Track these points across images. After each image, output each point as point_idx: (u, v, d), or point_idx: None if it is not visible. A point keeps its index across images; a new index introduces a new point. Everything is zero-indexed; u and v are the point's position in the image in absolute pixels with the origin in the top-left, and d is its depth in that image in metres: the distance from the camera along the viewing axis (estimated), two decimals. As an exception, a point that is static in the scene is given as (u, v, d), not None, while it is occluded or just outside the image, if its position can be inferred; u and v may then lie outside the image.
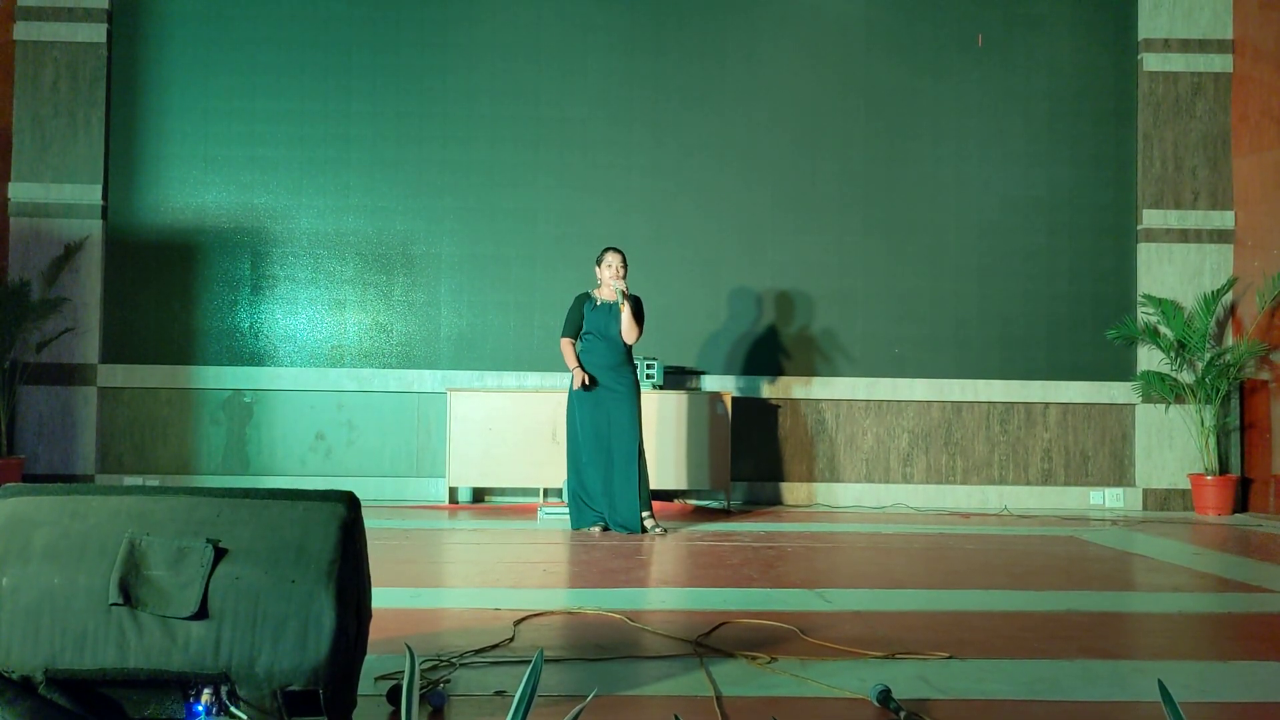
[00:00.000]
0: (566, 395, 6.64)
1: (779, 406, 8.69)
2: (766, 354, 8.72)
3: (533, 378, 8.52)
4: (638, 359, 7.78)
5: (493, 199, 8.59)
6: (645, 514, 6.51)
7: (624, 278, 6.53)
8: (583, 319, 6.55)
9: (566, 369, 7.76)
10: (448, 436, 7.87)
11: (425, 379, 8.49)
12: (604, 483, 6.51)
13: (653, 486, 7.64)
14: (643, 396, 6.87)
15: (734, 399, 8.30)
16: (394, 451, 8.45)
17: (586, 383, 6.39)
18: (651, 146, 8.58)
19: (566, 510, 7.05)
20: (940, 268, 8.72)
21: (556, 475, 7.80)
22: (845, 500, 8.58)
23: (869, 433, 8.63)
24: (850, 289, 8.73)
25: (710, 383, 8.59)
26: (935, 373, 8.60)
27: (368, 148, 8.50)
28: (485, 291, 8.59)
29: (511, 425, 7.88)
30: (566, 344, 6.56)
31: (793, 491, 8.64)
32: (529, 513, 7.64)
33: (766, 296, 8.73)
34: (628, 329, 6.41)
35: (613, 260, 6.53)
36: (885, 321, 8.72)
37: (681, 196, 8.66)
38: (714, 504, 8.25)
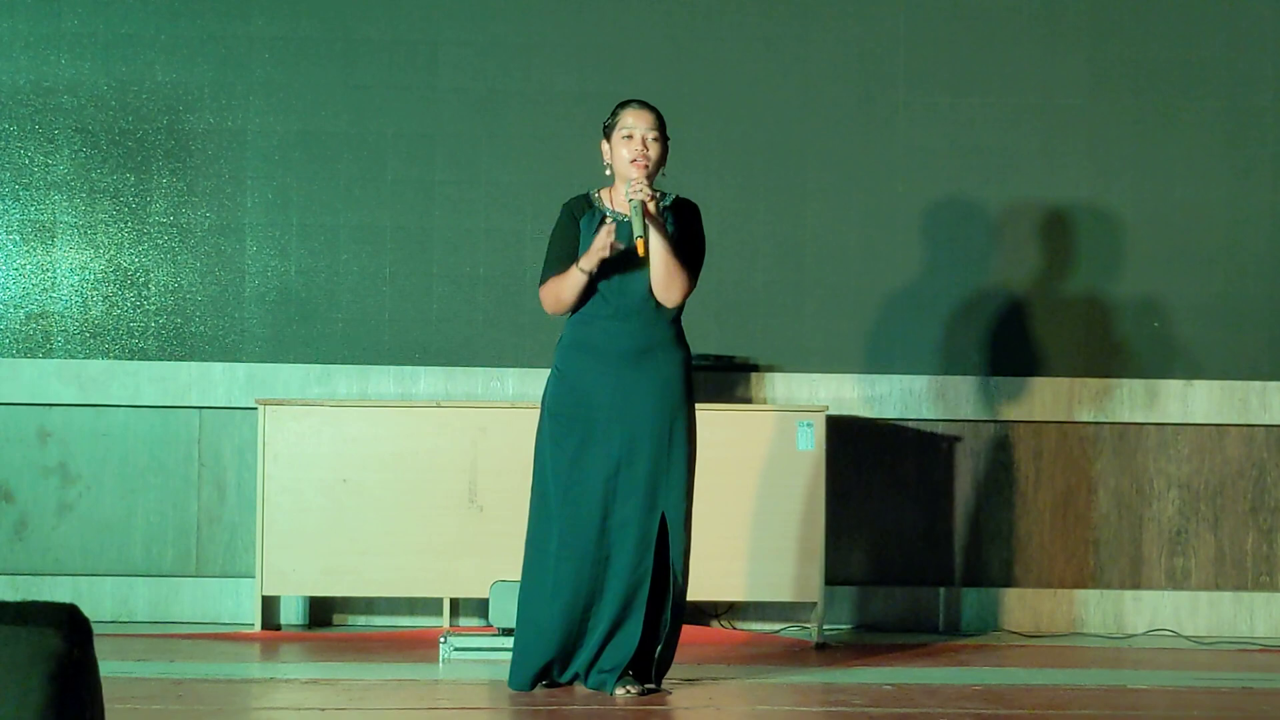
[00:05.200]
0: (540, 406, 4.69)
1: (940, 438, 6.36)
2: (912, 333, 6.36)
3: (429, 378, 6.26)
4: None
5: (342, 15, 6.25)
6: (659, 657, 4.54)
7: (658, 165, 4.47)
8: (574, 254, 4.68)
9: (499, 364, 6.32)
10: (259, 496, 5.82)
11: (214, 379, 6.17)
12: (589, 594, 4.60)
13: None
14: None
15: (833, 420, 6.01)
16: (152, 525, 6.19)
17: (609, 247, 4.43)
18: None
19: (501, 643, 5.23)
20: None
21: (477, 573, 5.72)
22: (1135, 622, 6.21)
23: (1172, 489, 6.25)
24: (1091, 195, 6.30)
25: (785, 389, 6.29)
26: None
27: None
28: (332, 205, 6.21)
29: (387, 473, 6.02)
30: (553, 284, 4.68)
31: (984, 606, 6.34)
32: (423, 648, 5.73)
33: (906, 220, 6.34)
34: (664, 281, 4.51)
35: (635, 123, 4.55)
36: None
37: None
38: (794, 630, 6.11)
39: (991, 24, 6.15)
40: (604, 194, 4.46)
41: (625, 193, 4.26)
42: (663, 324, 4.46)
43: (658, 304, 4.43)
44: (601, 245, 4.33)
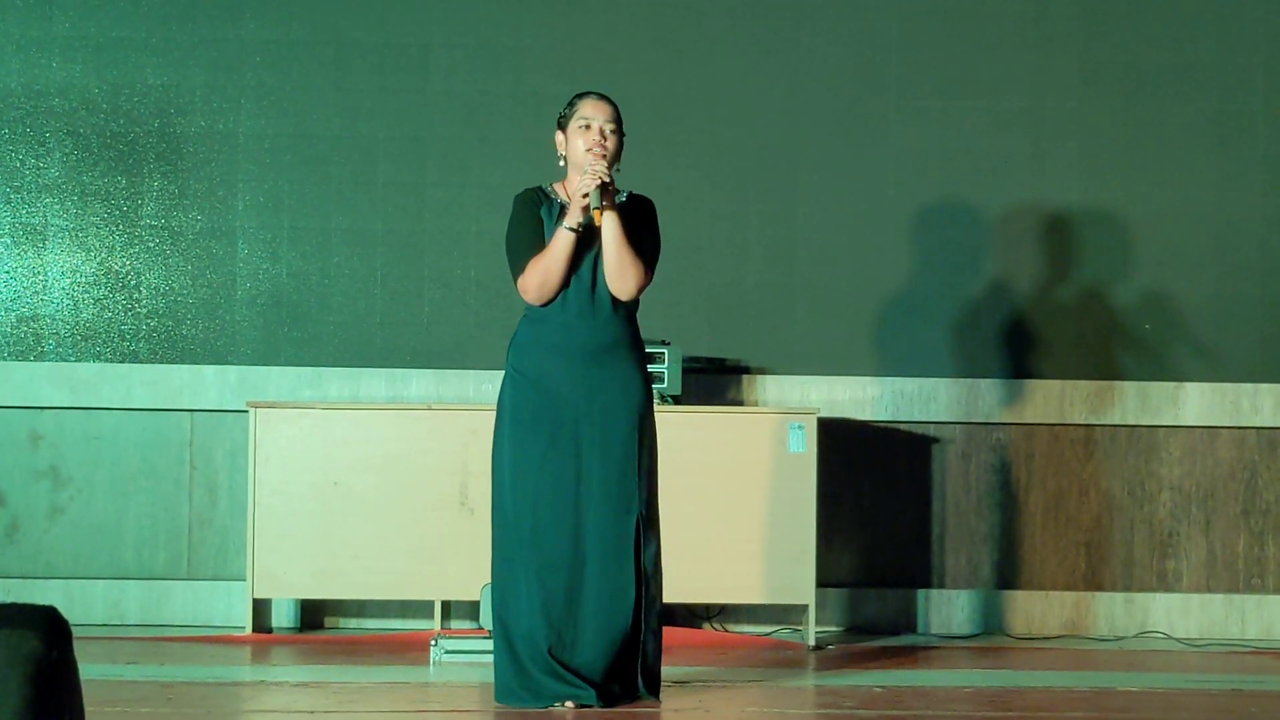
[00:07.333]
0: (497, 410, 4.52)
1: (932, 441, 6.34)
2: (903, 336, 6.37)
3: (420, 381, 6.23)
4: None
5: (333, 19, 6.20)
6: (646, 667, 4.42)
7: (614, 157, 4.37)
8: (542, 238, 4.57)
9: (491, 367, 5.94)
10: (250, 499, 5.84)
11: (206, 383, 6.14)
12: (566, 599, 4.42)
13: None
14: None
15: (824, 422, 5.98)
16: (143, 529, 6.16)
17: (599, 203, 4.27)
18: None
19: (488, 650, 5.11)
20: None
21: (469, 575, 5.67)
22: (1126, 625, 6.22)
23: (1163, 491, 6.19)
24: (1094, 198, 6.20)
25: (776, 391, 6.27)
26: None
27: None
28: (323, 208, 6.16)
29: (378, 475, 6.03)
30: (538, 264, 4.54)
31: (975, 609, 6.28)
32: (414, 650, 5.77)
33: (897, 222, 6.33)
34: (617, 267, 4.42)
35: (593, 114, 4.46)
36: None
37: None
38: (785, 633, 6.10)
39: (982, 27, 6.11)
40: (558, 187, 4.36)
41: (584, 170, 4.15)
42: (620, 322, 4.35)
43: (615, 302, 4.33)
44: (582, 190, 4.20)
